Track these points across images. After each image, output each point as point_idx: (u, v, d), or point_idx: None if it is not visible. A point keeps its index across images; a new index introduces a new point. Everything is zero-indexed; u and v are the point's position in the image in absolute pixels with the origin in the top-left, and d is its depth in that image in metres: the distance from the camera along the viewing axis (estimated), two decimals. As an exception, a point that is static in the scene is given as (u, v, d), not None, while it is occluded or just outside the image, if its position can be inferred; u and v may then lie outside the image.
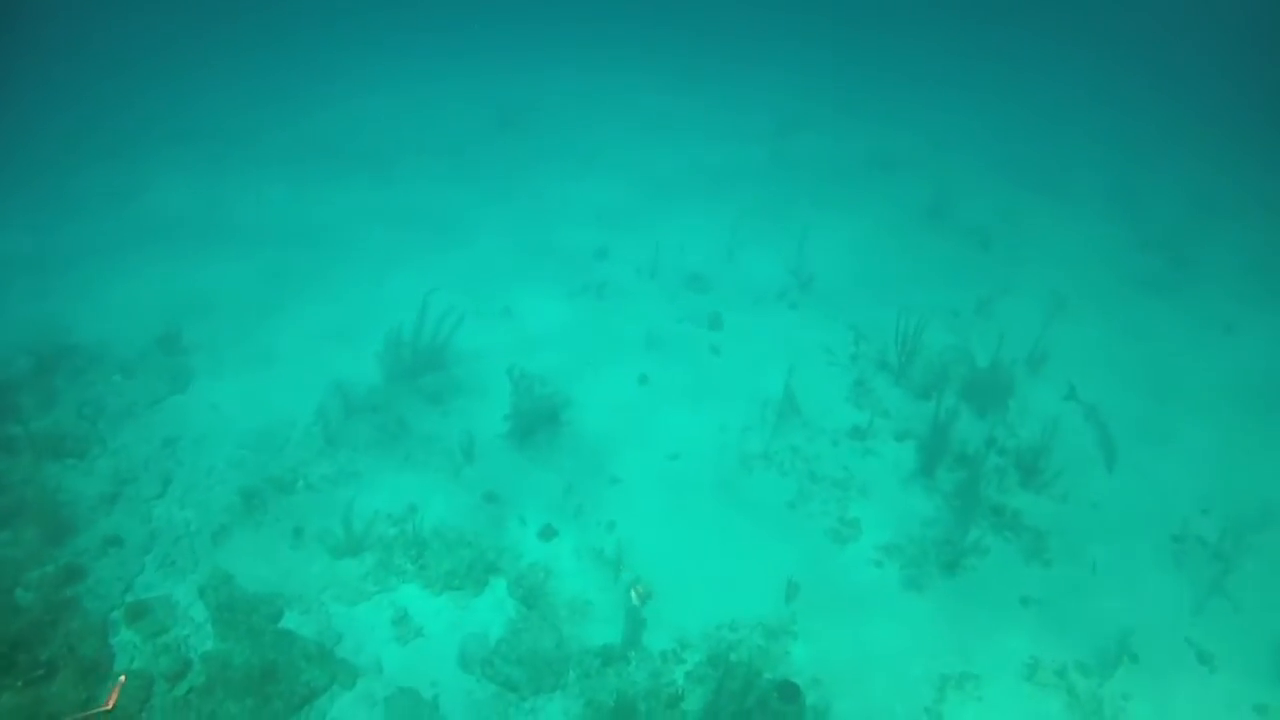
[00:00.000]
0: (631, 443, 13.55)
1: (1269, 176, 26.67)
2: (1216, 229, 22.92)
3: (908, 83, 29.39)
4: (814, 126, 25.72)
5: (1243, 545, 12.32)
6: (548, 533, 11.82)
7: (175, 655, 9.85)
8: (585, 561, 11.58)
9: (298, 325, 15.39)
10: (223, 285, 16.25)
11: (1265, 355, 17.58)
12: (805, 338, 16.26)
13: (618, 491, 12.71)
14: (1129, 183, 24.14)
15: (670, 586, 11.35)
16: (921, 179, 22.57)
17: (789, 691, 9.89)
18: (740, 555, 11.95)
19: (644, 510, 12.43)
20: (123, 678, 6.64)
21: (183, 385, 13.72)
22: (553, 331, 15.93)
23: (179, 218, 18.70)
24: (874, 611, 11.39)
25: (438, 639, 10.51)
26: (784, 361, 14.53)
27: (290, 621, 10.45)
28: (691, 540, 12.09)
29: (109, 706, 6.15)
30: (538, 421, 13.29)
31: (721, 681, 9.84)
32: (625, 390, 14.67)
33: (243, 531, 11.40)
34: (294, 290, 16.37)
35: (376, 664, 10.15)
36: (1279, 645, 11.26)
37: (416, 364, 14.11)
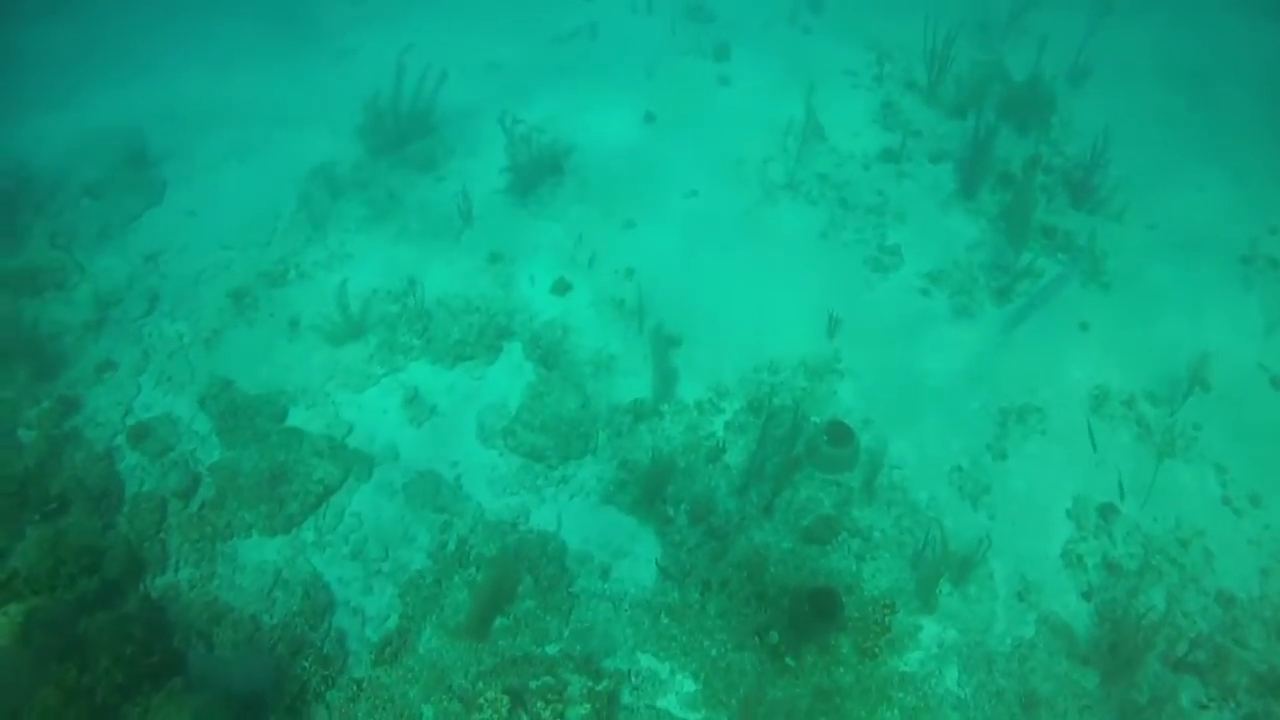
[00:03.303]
0: (643, 184, 12.26)
1: None
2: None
3: None
4: None
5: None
6: (561, 287, 10.77)
7: (184, 471, 9.26)
8: (605, 313, 10.59)
9: (267, 114, 13.98)
10: (181, 89, 14.72)
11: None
12: (822, 62, 14.50)
13: (633, 236, 11.54)
14: None
15: (700, 331, 10.39)
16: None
17: (840, 434, 8.96)
18: (773, 292, 10.88)
19: (663, 253, 11.30)
20: None
21: (157, 197, 12.56)
22: (546, 79, 14.31)
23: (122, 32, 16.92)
24: (924, 344, 10.40)
25: (453, 415, 9.76)
26: (801, 88, 12.91)
27: (296, 419, 9.73)
28: (718, 280, 11.02)
29: None
30: (539, 172, 12.00)
31: (765, 429, 8.90)
32: (631, 130, 13.22)
33: (236, 333, 10.58)
34: (257, 80, 14.82)
35: (392, 450, 9.46)
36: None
37: (400, 132, 12.78)
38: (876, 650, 7.94)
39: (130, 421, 9.75)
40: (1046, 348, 10.31)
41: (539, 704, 7.18)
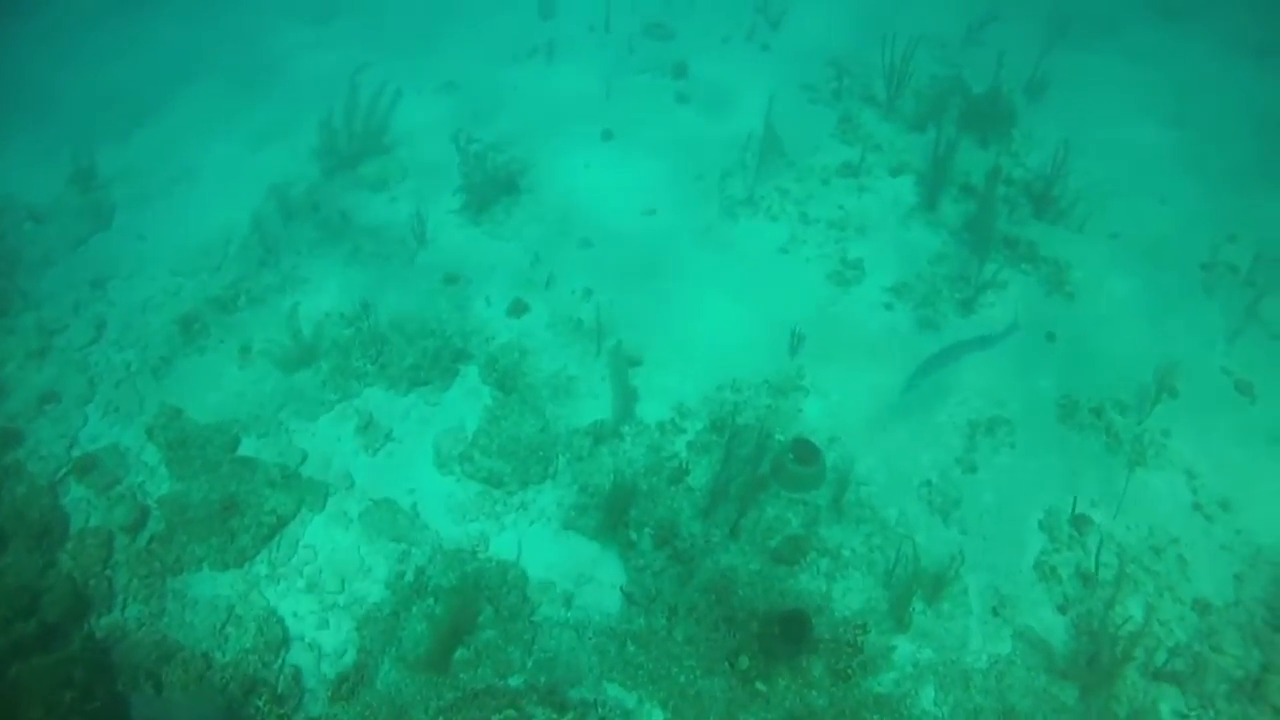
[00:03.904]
0: (601, 203, 12.09)
1: None
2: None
3: None
4: None
5: (1276, 270, 11.09)
6: (518, 308, 10.55)
7: (131, 504, 8.93)
8: (563, 334, 10.36)
9: (222, 136, 13.73)
10: (132, 108, 14.42)
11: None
12: (781, 78, 14.35)
13: (591, 255, 11.35)
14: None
15: (661, 351, 10.20)
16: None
17: (806, 451, 8.78)
18: (734, 309, 10.71)
19: (622, 272, 11.11)
20: None
21: (105, 222, 12.26)
22: (502, 98, 14.14)
23: (74, 44, 16.60)
24: (889, 358, 10.19)
25: (409, 441, 9.50)
26: (760, 104, 12.77)
27: (248, 448, 9.43)
28: (678, 298, 10.84)
29: None
30: (494, 191, 11.80)
31: (729, 448, 8.67)
32: (588, 149, 13.04)
33: (186, 361, 10.28)
34: (212, 101, 14.57)
35: (347, 479, 9.17)
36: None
37: (354, 151, 12.54)
38: (850, 672, 7.72)
39: (76, 453, 9.41)
40: (1014, 359, 10.17)
41: (501, 740, 6.90)
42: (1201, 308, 10.95)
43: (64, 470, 9.25)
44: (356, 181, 12.40)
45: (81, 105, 14.43)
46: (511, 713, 7.15)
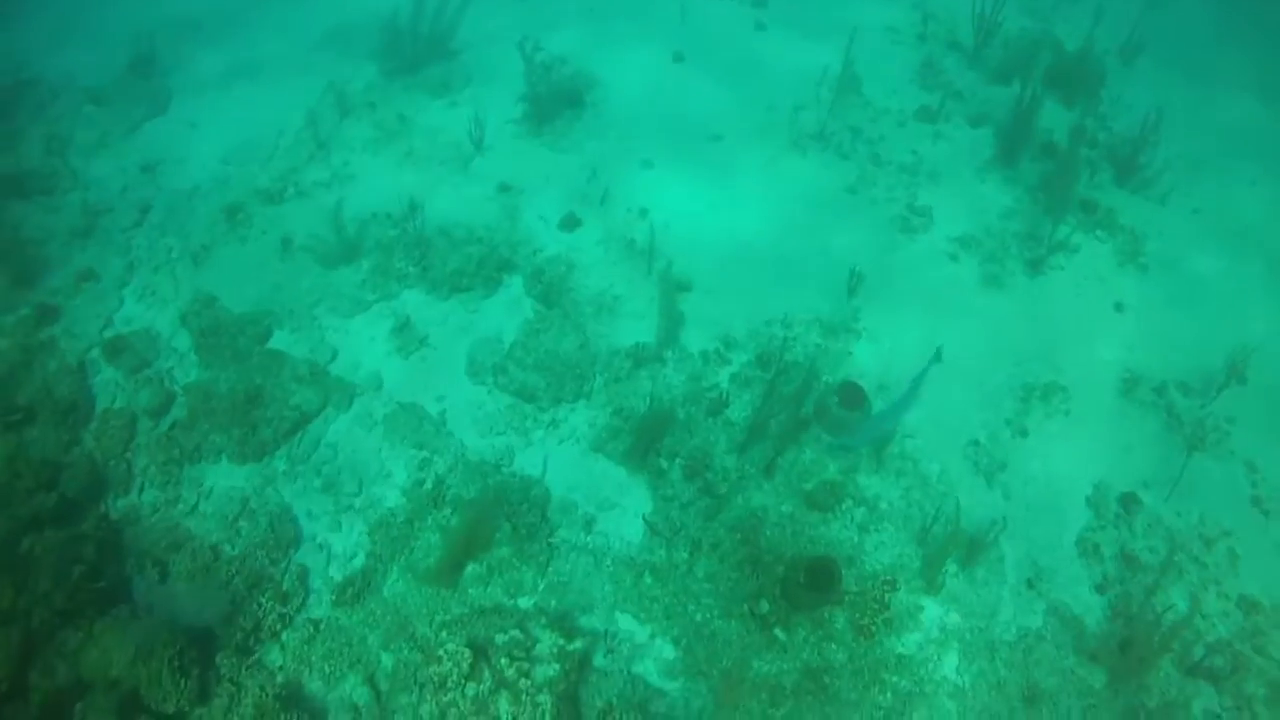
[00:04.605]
0: (666, 125, 11.66)
1: None
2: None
3: None
4: None
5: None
6: (570, 222, 10.24)
7: (158, 389, 8.80)
8: (613, 252, 10.03)
9: (283, 31, 13.43)
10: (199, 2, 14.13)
11: None
12: (864, 15, 13.66)
13: (650, 176, 10.98)
14: None
15: (712, 279, 9.81)
16: None
17: (852, 395, 8.34)
18: (793, 243, 10.29)
19: (680, 196, 10.73)
20: None
21: (161, 108, 12.09)
22: (574, 11, 13.65)
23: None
24: (949, 309, 9.77)
25: (444, 347, 9.27)
26: (840, 40, 12.07)
27: (279, 341, 9.27)
28: (735, 226, 10.43)
29: None
30: (557, 104, 11.45)
31: (773, 384, 8.26)
32: (658, 69, 12.58)
33: (226, 249, 10.12)
34: (276, 14, 14.19)
35: (376, 380, 9.01)
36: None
37: (418, 54, 12.22)
38: (873, 628, 7.40)
39: (109, 334, 9.29)
40: (1077, 325, 9.71)
41: (503, 660, 6.66)
42: (1283, 298, 10.25)
43: (95, 350, 9.09)
44: (417, 84, 12.11)
45: (150, 17, 14.12)
46: (517, 634, 6.90)
